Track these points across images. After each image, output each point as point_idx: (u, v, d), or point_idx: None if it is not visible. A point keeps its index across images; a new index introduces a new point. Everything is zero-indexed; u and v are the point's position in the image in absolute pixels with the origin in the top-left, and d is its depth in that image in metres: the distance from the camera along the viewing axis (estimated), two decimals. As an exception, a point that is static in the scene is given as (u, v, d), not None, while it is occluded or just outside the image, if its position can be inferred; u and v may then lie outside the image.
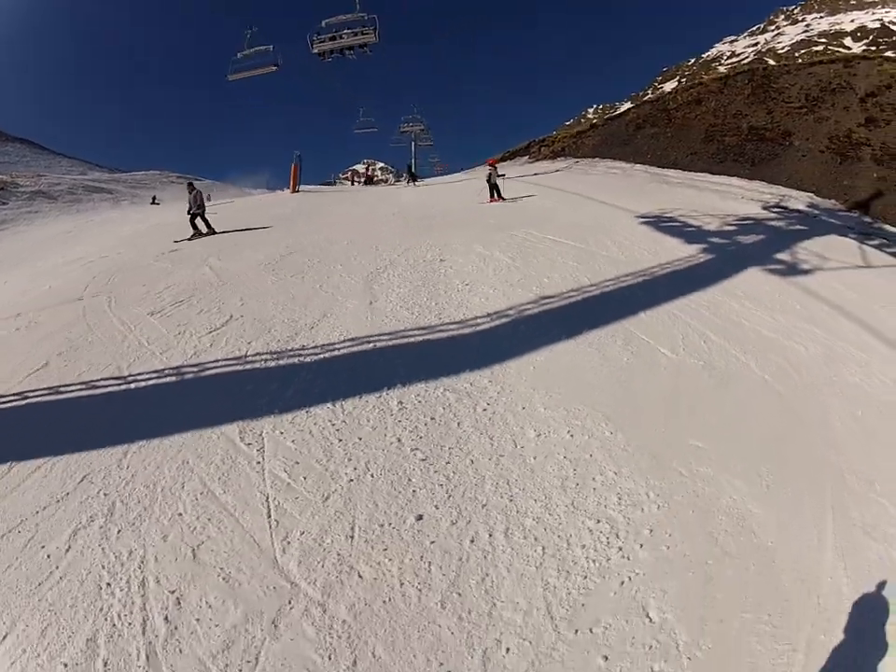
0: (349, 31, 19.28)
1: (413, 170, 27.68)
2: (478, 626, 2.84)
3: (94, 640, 2.91)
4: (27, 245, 16.26)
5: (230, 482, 4.03)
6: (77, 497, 4.01)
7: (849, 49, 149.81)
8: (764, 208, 11.92)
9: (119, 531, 3.66)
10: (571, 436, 4.39)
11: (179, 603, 3.09)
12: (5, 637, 2.97)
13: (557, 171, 20.30)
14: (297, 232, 12.66)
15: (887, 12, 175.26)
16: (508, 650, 2.71)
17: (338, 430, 4.56)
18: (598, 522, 3.51)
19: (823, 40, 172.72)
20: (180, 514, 3.77)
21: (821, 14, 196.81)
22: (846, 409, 4.59)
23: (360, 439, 4.43)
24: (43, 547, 3.57)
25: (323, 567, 3.25)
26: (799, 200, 12.38)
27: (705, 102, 17.76)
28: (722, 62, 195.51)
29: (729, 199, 12.75)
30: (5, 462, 4.46)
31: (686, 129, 17.38)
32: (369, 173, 41.27)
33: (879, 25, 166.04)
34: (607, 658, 2.64)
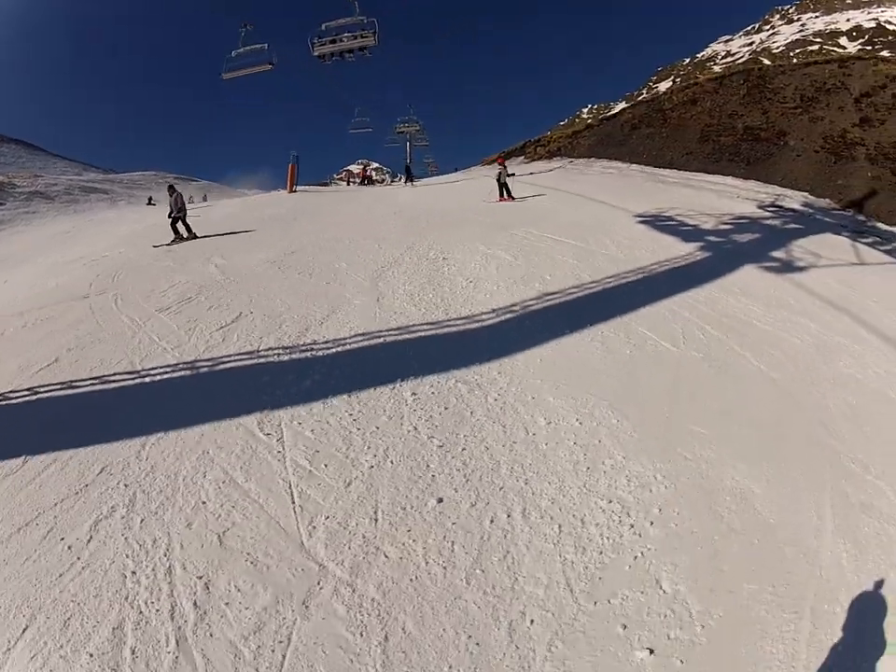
0: (349, 34, 19.35)
1: (410, 170, 27.75)
2: (502, 600, 3.01)
3: (121, 628, 2.98)
4: (26, 244, 16.25)
5: (251, 470, 4.17)
6: (97, 489, 4.11)
7: (844, 48, 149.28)
8: (760, 207, 12.10)
9: (142, 520, 3.76)
10: (580, 423, 4.57)
11: (208, 588, 3.20)
12: (24, 630, 3.01)
13: (551, 170, 20.40)
14: (299, 232, 12.73)
15: (882, 11, 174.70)
16: (532, 621, 2.88)
17: (355, 420, 4.71)
18: (610, 502, 3.69)
19: (818, 40, 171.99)
20: (204, 502, 3.89)
21: (817, 13, 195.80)
22: (840, 397, 4.80)
23: (378, 428, 4.59)
24: (63, 539, 3.65)
25: (350, 548, 3.40)
26: (794, 199, 12.61)
27: (700, 102, 17.91)
28: (717, 61, 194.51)
29: (725, 198, 12.93)
30: (18, 456, 4.54)
31: (682, 129, 17.52)
32: (367, 173, 41.29)
33: (875, 25, 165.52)
34: (625, 627, 2.82)
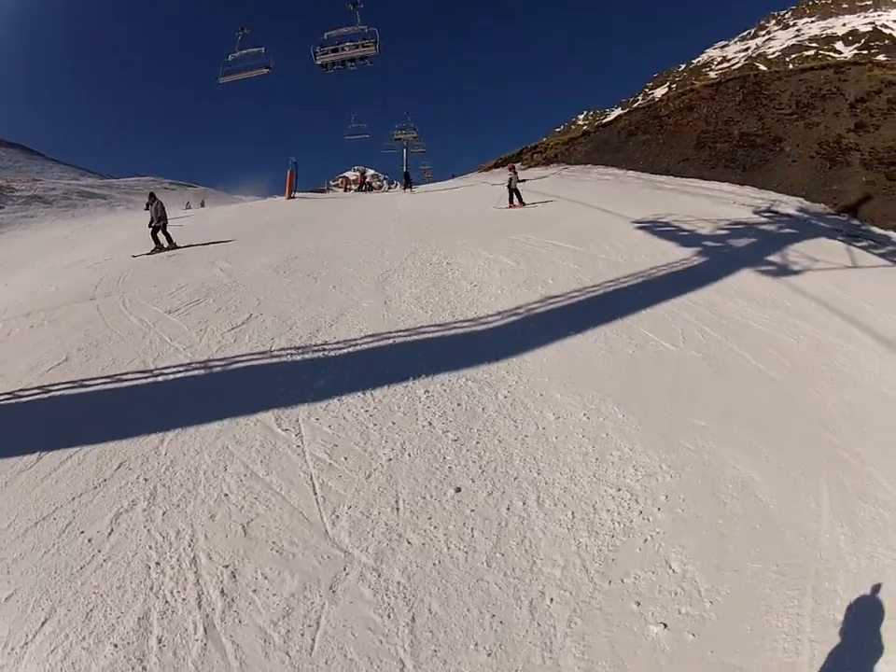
0: (350, 43, 19.64)
1: (410, 176, 27.94)
2: (522, 581, 3.17)
3: (146, 618, 3.06)
4: (25, 248, 16.36)
5: (272, 464, 4.31)
6: (116, 483, 4.21)
7: (840, 53, 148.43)
8: (755, 213, 12.32)
9: (164, 513, 3.87)
10: (587, 418, 4.75)
11: (234, 577, 3.32)
12: (44, 624, 3.06)
13: (545, 177, 20.61)
14: (301, 237, 12.89)
15: (879, 15, 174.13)
16: (552, 600, 3.05)
17: (371, 416, 4.87)
18: (619, 490, 3.88)
19: (814, 45, 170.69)
20: (226, 495, 4.02)
21: (813, 18, 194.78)
22: (835, 393, 4.99)
23: (393, 423, 4.76)
24: (82, 532, 3.74)
25: (373, 536, 3.55)
26: (789, 204, 12.80)
27: (696, 108, 18.09)
28: (713, 67, 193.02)
29: (721, 204, 13.15)
30: (32, 452, 4.64)
31: (678, 135, 17.72)
32: (367, 179, 41.38)
33: (871, 29, 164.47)
34: (639, 604, 2.99)
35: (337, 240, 12.15)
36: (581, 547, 3.39)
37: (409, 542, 3.49)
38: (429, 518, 3.67)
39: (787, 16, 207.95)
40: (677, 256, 9.14)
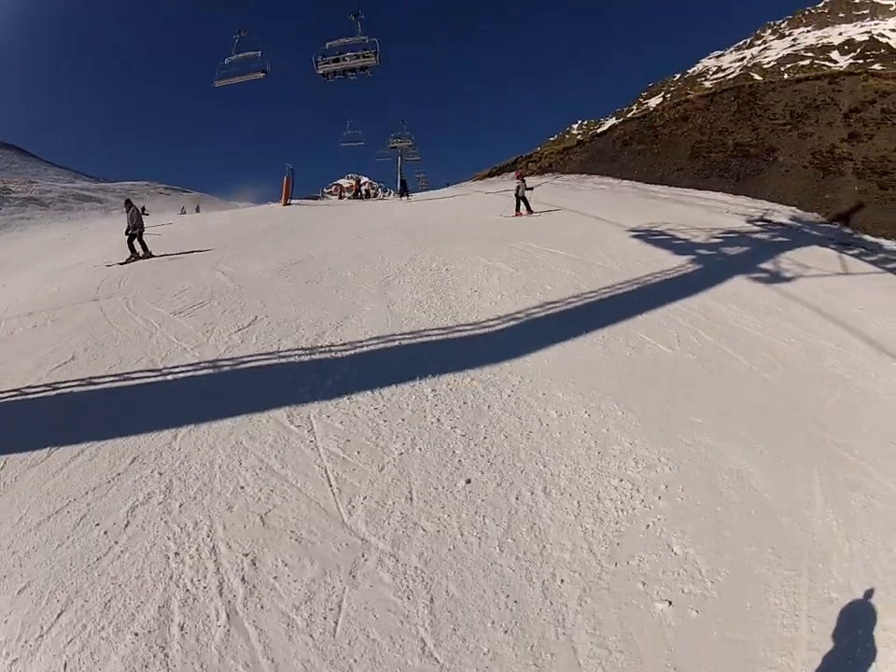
0: (351, 53, 19.91)
1: (406, 184, 28.17)
2: (534, 564, 3.34)
3: (167, 607, 3.15)
4: (23, 250, 16.43)
5: (286, 458, 4.44)
6: (130, 477, 4.31)
7: (836, 62, 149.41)
8: (749, 221, 12.57)
9: (180, 505, 3.97)
10: (588, 415, 4.93)
11: (255, 564, 3.43)
12: (60, 615, 3.11)
13: (539, 185, 20.76)
14: (299, 243, 13.06)
15: (876, 24, 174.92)
16: (562, 581, 3.21)
17: (381, 413, 5.03)
18: (621, 481, 4.06)
19: (810, 54, 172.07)
20: (242, 487, 4.14)
21: (809, 28, 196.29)
22: (828, 393, 5.20)
23: (403, 420, 4.91)
24: (98, 524, 3.81)
25: (389, 524, 3.70)
26: (782, 213, 13.05)
27: (691, 118, 18.35)
28: (708, 77, 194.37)
29: (715, 213, 13.40)
30: (42, 448, 4.72)
31: (672, 145, 17.95)
32: (366, 187, 41.65)
33: (868, 38, 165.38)
34: (644, 583, 3.17)
35: (336, 246, 12.31)
36: (588, 532, 3.57)
37: (424, 530, 3.64)
38: (442, 507, 3.83)
39: (783, 25, 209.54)
40: (671, 263, 9.36)
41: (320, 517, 3.79)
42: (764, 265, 9.14)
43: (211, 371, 6.07)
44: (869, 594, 3.01)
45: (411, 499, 3.91)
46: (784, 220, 12.65)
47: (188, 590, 3.25)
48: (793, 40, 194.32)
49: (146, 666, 2.82)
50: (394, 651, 2.85)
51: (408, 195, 26.50)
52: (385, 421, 4.89)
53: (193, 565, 3.43)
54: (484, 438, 4.62)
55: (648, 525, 3.61)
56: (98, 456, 4.59)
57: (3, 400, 5.77)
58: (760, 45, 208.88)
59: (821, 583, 3.12)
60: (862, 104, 14.60)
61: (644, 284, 8.47)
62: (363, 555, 3.46)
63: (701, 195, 15.21)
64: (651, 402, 5.11)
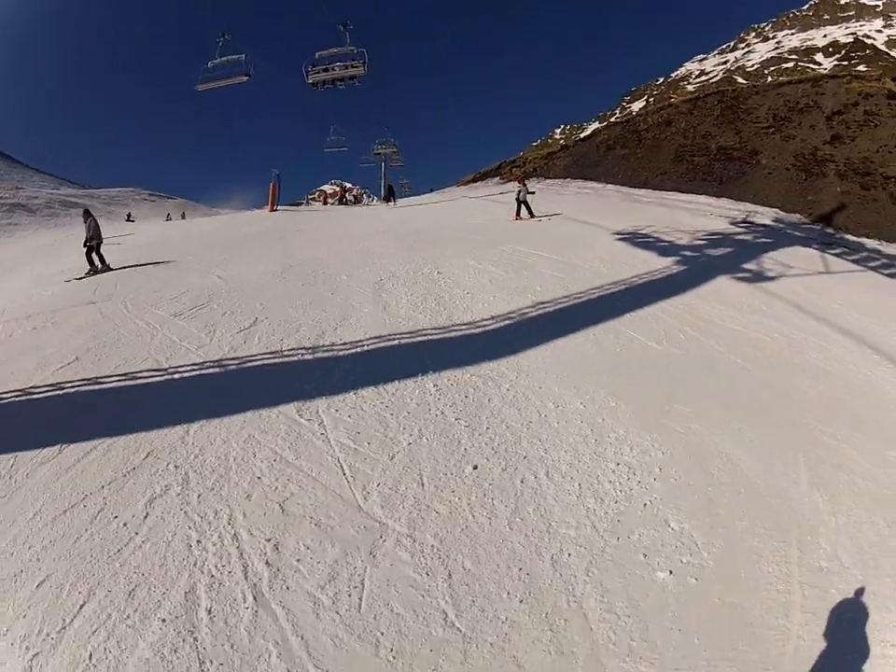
0: (340, 63, 20.14)
1: (393, 189, 28.22)
2: (542, 540, 3.59)
3: (193, 592, 3.28)
4: (11, 255, 16.30)
5: (299, 449, 4.63)
6: (146, 471, 4.44)
7: (820, 64, 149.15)
8: (732, 223, 12.92)
9: (199, 496, 4.12)
10: (584, 406, 5.20)
11: (277, 549, 3.61)
12: (82, 606, 3.20)
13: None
14: (291, 248, 13.12)
15: (861, 25, 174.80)
16: (569, 554, 3.47)
17: (387, 407, 5.24)
18: (618, 465, 4.35)
19: (794, 56, 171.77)
20: (259, 478, 4.31)
21: (793, 31, 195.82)
22: (810, 384, 5.54)
23: (409, 413, 5.13)
24: (116, 517, 3.93)
25: (403, 507, 3.92)
26: (765, 215, 13.43)
27: (675, 123, 18.65)
28: (691, 80, 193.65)
29: (698, 216, 13.75)
30: (52, 445, 4.81)
31: (656, 149, 18.24)
32: (354, 192, 41.68)
33: (852, 39, 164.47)
34: (646, 555, 3.44)
35: (327, 250, 12.40)
36: (590, 511, 3.84)
37: (437, 512, 3.86)
38: (452, 491, 4.06)
39: (766, 28, 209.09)
40: (657, 265, 9.67)
41: (337, 503, 3.99)
42: (748, 265, 9.49)
43: (217, 369, 6.22)
44: (856, 563, 3.30)
45: (422, 485, 4.13)
46: (767, 222, 13.00)
47: (213, 575, 3.39)
48: (777, 43, 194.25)
49: (175, 651, 2.95)
50: (418, 622, 3.06)
51: (394, 200, 26.56)
52: (392, 414, 5.10)
53: (216, 551, 3.58)
54: (487, 428, 4.86)
55: (645, 504, 3.89)
56: (111, 452, 4.70)
57: (7, 400, 5.84)
58: (743, 48, 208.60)
59: (811, 554, 3.41)
60: (845, 106, 14.98)
61: (631, 284, 8.75)
62: (381, 537, 3.66)
63: (685, 198, 15.51)
64: (642, 394, 5.39)
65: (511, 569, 3.37)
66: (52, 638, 3.02)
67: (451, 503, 3.94)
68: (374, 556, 3.51)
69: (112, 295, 9.54)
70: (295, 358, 6.39)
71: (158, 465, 4.51)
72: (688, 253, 10.41)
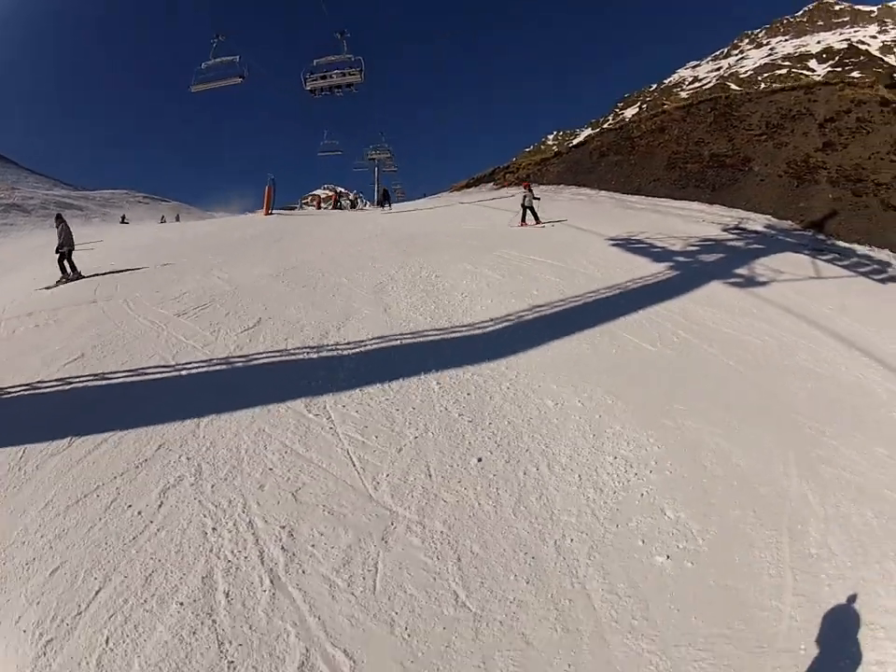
0: (338, 71, 20.34)
1: (388, 194, 28.31)
2: (545, 526, 3.79)
3: (210, 577, 3.41)
4: (8, 255, 16.28)
5: (309, 442, 4.79)
6: (158, 462, 4.57)
7: (814, 70, 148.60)
8: (724, 230, 13.11)
9: (212, 486, 4.26)
10: (581, 404, 5.41)
11: (292, 535, 3.76)
12: (98, 592, 3.31)
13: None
14: (289, 251, 13.20)
15: (856, 31, 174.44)
16: (572, 540, 3.67)
17: (392, 403, 5.41)
18: (615, 458, 4.57)
19: (787, 63, 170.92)
20: (271, 469, 4.47)
21: (787, 37, 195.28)
22: (799, 383, 5.78)
23: (413, 408, 5.31)
24: (130, 506, 4.05)
25: (412, 496, 4.10)
26: (757, 221, 13.63)
27: (668, 130, 18.75)
28: (684, 87, 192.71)
29: (691, 222, 13.95)
30: (62, 438, 4.91)
31: (649, 156, 18.34)
32: (351, 196, 41.81)
33: (847, 46, 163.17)
34: (644, 541, 3.64)
35: (324, 253, 12.51)
36: (590, 500, 4.05)
37: (445, 500, 4.05)
38: (459, 481, 4.25)
39: (760, 35, 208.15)
40: (650, 270, 9.89)
41: (348, 492, 4.15)
42: (739, 270, 9.73)
43: (224, 367, 6.35)
44: (845, 551, 3.51)
45: (430, 476, 4.31)
46: (759, 228, 13.23)
47: (229, 560, 3.53)
48: (771, 49, 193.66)
49: (193, 633, 3.06)
50: (430, 603, 3.23)
51: (389, 205, 26.65)
52: (398, 410, 5.27)
53: (232, 538, 3.72)
54: (490, 423, 5.05)
55: (642, 494, 4.10)
56: (122, 444, 4.82)
57: (14, 394, 5.93)
58: (737, 54, 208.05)
59: (801, 541, 3.63)
60: (838, 113, 15.13)
61: (625, 289, 8.96)
62: (392, 524, 3.84)
63: (678, 205, 15.66)
64: (637, 392, 5.60)
65: (517, 553, 3.55)
66: (67, 624, 3.10)
67: (458, 493, 4.12)
68: (386, 542, 3.68)
69: (113, 294, 9.62)
70: (300, 357, 6.54)
71: (170, 456, 4.64)
72: (681, 259, 10.64)
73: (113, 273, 11.82)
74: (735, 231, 13.05)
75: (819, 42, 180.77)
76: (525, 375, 6.00)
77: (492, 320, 7.66)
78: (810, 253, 11.22)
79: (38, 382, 6.14)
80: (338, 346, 6.80)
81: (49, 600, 3.28)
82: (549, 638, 3.02)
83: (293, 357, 6.53)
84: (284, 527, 3.83)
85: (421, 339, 7.07)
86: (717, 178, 15.91)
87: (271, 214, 24.68)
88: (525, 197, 15.27)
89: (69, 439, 4.90)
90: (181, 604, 3.22)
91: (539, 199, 15.51)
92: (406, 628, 3.09)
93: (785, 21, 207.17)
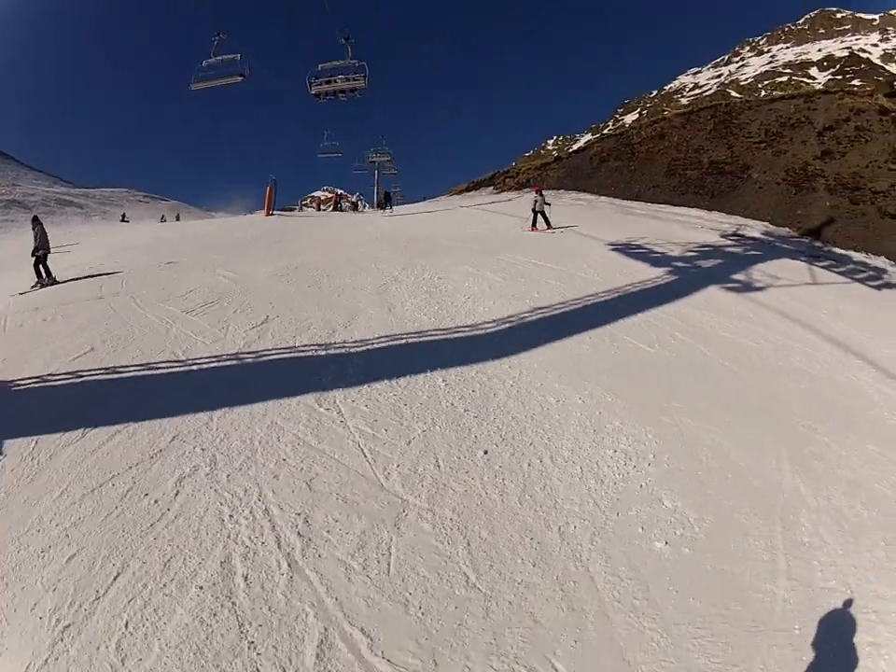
0: (342, 76, 20.50)
1: (389, 196, 28.37)
2: (549, 514, 3.98)
3: (229, 561, 3.54)
4: (9, 251, 16.30)
5: (321, 435, 4.96)
6: (173, 453, 4.70)
7: (814, 78, 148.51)
8: (723, 236, 13.31)
9: (227, 475, 4.40)
10: (582, 401, 5.61)
11: (307, 522, 3.92)
12: (116, 578, 3.41)
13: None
14: (292, 251, 13.36)
15: (857, 39, 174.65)
16: (575, 527, 3.86)
17: (400, 398, 5.60)
18: (615, 452, 4.77)
19: (788, 70, 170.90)
20: (284, 459, 4.63)
21: (788, 44, 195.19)
22: (793, 384, 6.00)
23: (421, 404, 5.50)
24: (146, 495, 4.16)
25: (422, 486, 4.28)
26: (755, 228, 13.85)
27: (668, 136, 18.91)
28: (685, 94, 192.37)
29: (690, 228, 14.15)
30: (74, 430, 5.02)
31: (649, 163, 18.51)
32: (354, 198, 41.91)
33: (848, 53, 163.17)
34: (643, 528, 3.84)
35: (327, 254, 12.67)
36: (592, 490, 4.25)
37: (453, 490, 4.23)
38: (466, 472, 4.44)
39: (761, 42, 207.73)
40: (649, 274, 10.09)
41: (360, 482, 4.32)
42: (737, 276, 9.95)
43: (234, 362, 6.51)
44: (837, 540, 3.70)
45: (438, 466, 4.49)
46: (757, 235, 13.42)
47: (247, 546, 3.67)
48: (772, 57, 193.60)
49: (214, 615, 3.18)
50: (442, 584, 3.41)
51: (391, 207, 26.69)
52: (406, 405, 5.45)
53: (249, 525, 3.86)
54: (494, 419, 5.25)
55: (641, 485, 4.31)
56: (136, 436, 4.93)
57: (24, 387, 6.03)
58: (738, 62, 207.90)
59: (793, 530, 3.83)
60: (837, 122, 15.32)
61: (624, 292, 9.16)
62: (404, 511, 4.01)
63: (677, 211, 15.86)
64: (636, 391, 5.80)
65: (523, 539, 3.74)
66: (85, 609, 3.18)
67: (466, 482, 4.30)
68: (399, 528, 3.85)
69: (119, 291, 9.73)
70: (309, 353, 6.70)
71: (184, 448, 4.77)
72: (679, 264, 10.85)
73: (116, 272, 11.87)
74: (734, 238, 13.24)
75: (820, 50, 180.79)
76: (527, 374, 6.18)
77: (494, 321, 7.84)
78: (807, 259, 11.42)
79: (48, 375, 6.24)
80: (346, 344, 6.97)
81: (65, 587, 3.35)
82: (556, 617, 3.19)
83: (302, 354, 6.69)
84: (299, 514, 3.98)
85: (426, 338, 7.24)
86: (716, 185, 16.08)
87: (272, 214, 24.81)
88: (535, 202, 15.25)
89: (82, 430, 5.00)
90: (200, 587, 3.33)
91: (549, 204, 15.44)
92: (420, 608, 3.26)
93: (786, 29, 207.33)
